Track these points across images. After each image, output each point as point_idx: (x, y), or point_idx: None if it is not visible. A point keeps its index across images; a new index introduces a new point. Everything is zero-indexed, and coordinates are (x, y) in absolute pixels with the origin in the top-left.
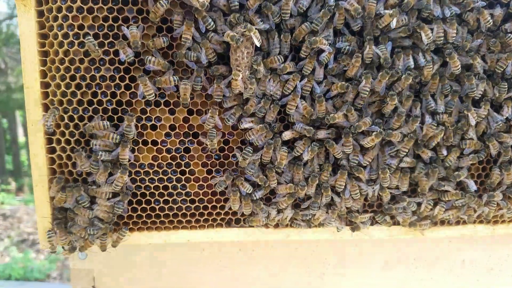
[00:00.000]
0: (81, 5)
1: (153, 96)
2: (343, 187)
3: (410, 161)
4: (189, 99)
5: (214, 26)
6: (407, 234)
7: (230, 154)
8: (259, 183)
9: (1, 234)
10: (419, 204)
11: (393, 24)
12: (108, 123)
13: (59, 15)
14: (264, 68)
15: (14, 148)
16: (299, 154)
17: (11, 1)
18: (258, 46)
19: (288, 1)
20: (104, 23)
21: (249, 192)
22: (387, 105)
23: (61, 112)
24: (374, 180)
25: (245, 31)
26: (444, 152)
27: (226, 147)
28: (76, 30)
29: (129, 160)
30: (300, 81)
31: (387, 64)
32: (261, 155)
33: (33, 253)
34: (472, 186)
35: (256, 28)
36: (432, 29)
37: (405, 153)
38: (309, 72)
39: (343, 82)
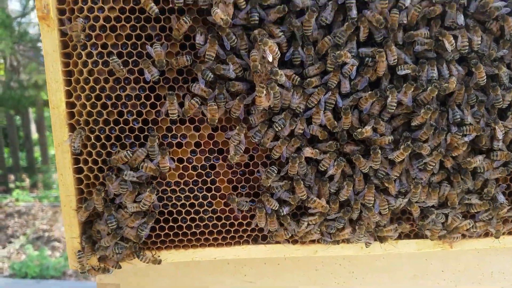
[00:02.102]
0: (104, 23)
1: (176, 116)
2: (372, 202)
3: (439, 176)
4: (217, 119)
5: (236, 42)
6: (435, 247)
7: (255, 170)
8: (291, 203)
9: (17, 231)
10: (447, 216)
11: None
12: (129, 153)
13: (83, 33)
14: (285, 78)
15: (28, 144)
16: (324, 169)
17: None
18: (270, 61)
19: (310, 17)
20: (127, 42)
21: (275, 209)
22: (418, 117)
23: (87, 132)
24: (403, 193)
25: (260, 45)
26: (471, 161)
27: (251, 163)
28: (99, 49)
29: (170, 169)
30: (324, 95)
31: (416, 71)
32: (287, 170)
33: (48, 250)
34: (501, 197)
35: (274, 42)
36: (455, 37)
37: (432, 166)
38: (334, 85)
39: (372, 91)
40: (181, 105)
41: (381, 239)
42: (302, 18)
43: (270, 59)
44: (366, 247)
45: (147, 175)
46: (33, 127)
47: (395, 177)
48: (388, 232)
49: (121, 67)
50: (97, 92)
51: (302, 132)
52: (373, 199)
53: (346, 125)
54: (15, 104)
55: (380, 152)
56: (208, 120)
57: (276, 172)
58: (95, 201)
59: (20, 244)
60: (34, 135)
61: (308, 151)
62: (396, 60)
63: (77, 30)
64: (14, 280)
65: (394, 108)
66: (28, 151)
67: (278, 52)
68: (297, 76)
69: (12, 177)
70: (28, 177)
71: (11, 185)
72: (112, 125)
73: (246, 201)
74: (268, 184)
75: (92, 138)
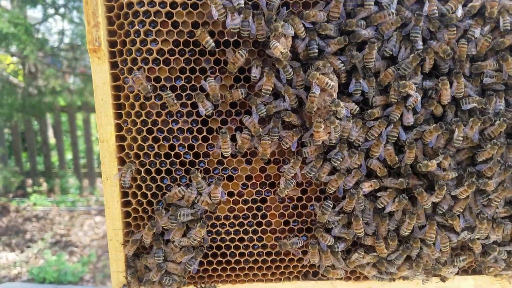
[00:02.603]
0: (157, 56)
1: (229, 153)
2: (433, 239)
3: (503, 211)
4: (269, 154)
5: (292, 75)
6: (493, 283)
7: (308, 204)
8: (347, 238)
9: (35, 236)
10: (509, 252)
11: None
12: (183, 188)
13: (135, 67)
14: (345, 110)
15: (45, 149)
16: (382, 206)
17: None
18: (317, 94)
19: (372, 50)
20: (181, 75)
21: (330, 245)
22: (485, 153)
23: (137, 166)
24: (467, 228)
25: (308, 78)
26: None
27: (304, 197)
28: (152, 82)
29: (220, 202)
30: (386, 128)
31: (482, 104)
32: (343, 206)
33: (66, 255)
34: None
35: (331, 72)
36: None
37: (497, 202)
38: (397, 118)
39: (437, 125)
40: (233, 138)
41: (442, 279)
42: (364, 51)
43: (317, 92)
44: (423, 283)
45: (202, 211)
46: (50, 132)
47: (459, 213)
48: (446, 272)
49: (175, 101)
50: (149, 125)
51: (358, 166)
52: (434, 235)
53: (410, 160)
54: (34, 112)
55: (445, 188)
56: (260, 154)
57: (331, 207)
58: (144, 235)
59: (38, 249)
60: (52, 140)
61: (366, 186)
62: (461, 93)
63: (142, 82)
64: (32, 285)
65: (461, 142)
66: (46, 156)
67: (331, 83)
68: (356, 106)
69: (29, 181)
70: (45, 182)
71: (29, 190)
72: (163, 158)
73: (299, 239)
74: (325, 220)
75: (142, 171)
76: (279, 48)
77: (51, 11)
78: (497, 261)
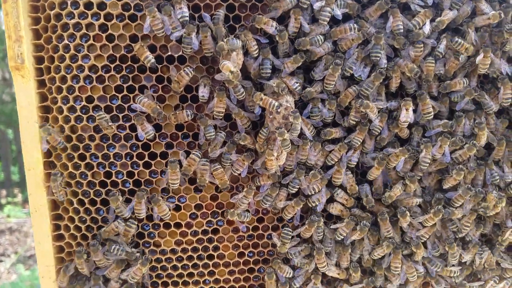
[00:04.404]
0: (90, 73)
1: (177, 185)
2: (398, 269)
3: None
4: (228, 181)
5: (245, 96)
6: None
7: (265, 234)
8: (304, 268)
9: (8, 249)
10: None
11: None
12: (120, 222)
13: (64, 86)
14: (302, 125)
15: (20, 159)
16: (341, 238)
17: None
18: (256, 113)
19: (335, 72)
20: (117, 94)
21: (289, 277)
22: (451, 179)
23: (69, 195)
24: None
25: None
26: (509, 224)
27: (260, 226)
28: (84, 102)
29: (144, 214)
30: (346, 152)
31: (448, 128)
32: (301, 232)
33: None
34: None
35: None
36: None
37: (468, 227)
38: (359, 143)
39: (403, 148)
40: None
41: None
42: (326, 71)
43: (256, 112)
44: None
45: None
46: None
47: (424, 240)
48: None
49: (109, 123)
50: (81, 151)
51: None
52: (399, 265)
53: (373, 176)
54: (7, 120)
55: (408, 214)
56: (219, 184)
57: (291, 234)
58: (77, 265)
59: (11, 263)
60: None
61: (337, 209)
62: (430, 115)
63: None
64: None
65: (428, 165)
66: (21, 166)
67: (275, 104)
68: (312, 127)
69: (4, 192)
70: (20, 192)
71: (3, 201)
72: (98, 187)
73: None
74: (286, 251)
75: (75, 202)
76: (229, 66)
77: None
78: None
